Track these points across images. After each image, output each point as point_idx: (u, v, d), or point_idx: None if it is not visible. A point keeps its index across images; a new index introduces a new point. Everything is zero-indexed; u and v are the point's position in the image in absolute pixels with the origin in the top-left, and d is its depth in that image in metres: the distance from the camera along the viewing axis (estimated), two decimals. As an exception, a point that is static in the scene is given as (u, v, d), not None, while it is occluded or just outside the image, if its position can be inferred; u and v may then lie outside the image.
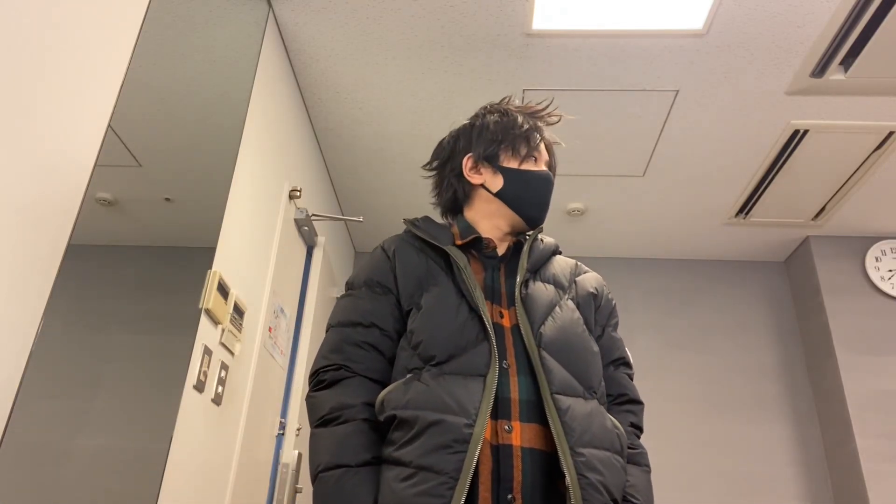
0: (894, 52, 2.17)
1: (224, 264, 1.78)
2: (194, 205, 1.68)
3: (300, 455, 2.35)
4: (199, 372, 1.61)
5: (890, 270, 3.30)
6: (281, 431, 2.36)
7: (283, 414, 2.40)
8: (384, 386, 1.08)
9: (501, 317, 1.12)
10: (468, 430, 0.96)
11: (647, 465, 1.18)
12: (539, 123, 1.30)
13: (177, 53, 1.55)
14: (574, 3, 2.09)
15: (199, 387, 1.62)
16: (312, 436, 1.05)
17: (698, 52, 2.26)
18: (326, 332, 1.16)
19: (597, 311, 1.24)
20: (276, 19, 2.19)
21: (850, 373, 3.09)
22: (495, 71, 2.39)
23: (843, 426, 3.05)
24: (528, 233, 1.26)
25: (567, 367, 1.08)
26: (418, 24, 2.20)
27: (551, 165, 1.30)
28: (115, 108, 1.26)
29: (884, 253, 3.34)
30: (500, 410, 1.02)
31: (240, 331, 1.88)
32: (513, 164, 1.24)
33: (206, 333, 1.67)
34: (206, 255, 1.67)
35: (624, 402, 1.22)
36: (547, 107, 1.33)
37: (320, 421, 1.04)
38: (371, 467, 1.00)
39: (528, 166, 1.25)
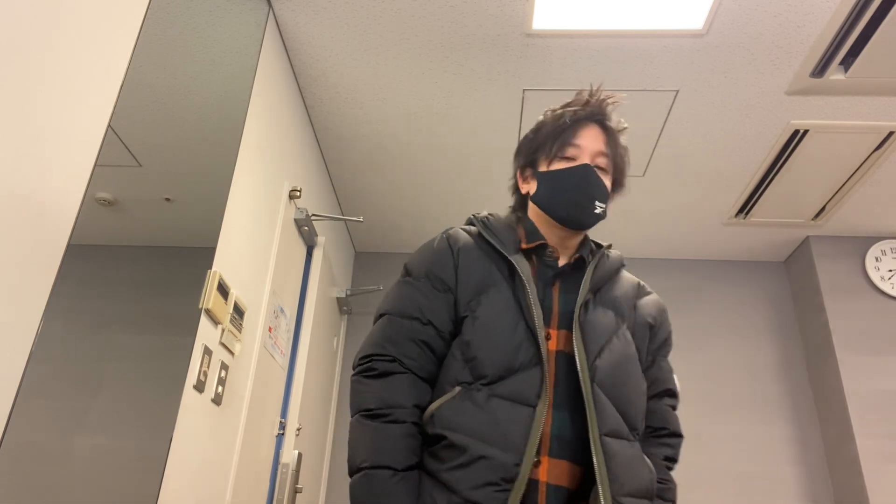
0: (894, 52, 2.17)
1: (224, 264, 1.78)
2: (194, 205, 1.68)
3: (300, 455, 2.35)
4: (199, 372, 1.61)
5: (890, 270, 3.30)
6: (281, 431, 2.36)
7: (283, 414, 2.40)
8: (432, 386, 1.08)
9: (548, 339, 1.07)
10: (516, 470, 0.96)
11: (673, 501, 1.14)
12: (583, 113, 1.20)
13: (177, 53, 1.55)
14: (574, 3, 2.09)
15: (199, 387, 1.62)
16: (357, 423, 1.04)
17: (698, 52, 2.26)
18: (379, 315, 1.14)
19: (651, 340, 1.19)
20: (276, 19, 2.19)
21: (850, 373, 3.09)
22: (495, 71, 2.39)
23: (843, 426, 3.05)
24: (594, 246, 1.22)
25: (618, 405, 1.04)
26: (418, 24, 2.20)
27: (607, 153, 1.19)
28: (115, 108, 1.26)
29: (884, 253, 3.34)
30: None
31: (240, 331, 1.88)
32: (544, 167, 1.20)
33: (206, 333, 1.67)
34: (206, 255, 1.67)
35: (664, 435, 1.18)
36: (596, 94, 1.22)
37: (368, 413, 1.03)
38: (414, 472, 1.01)
39: (559, 165, 1.18)
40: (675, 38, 2.21)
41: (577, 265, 1.16)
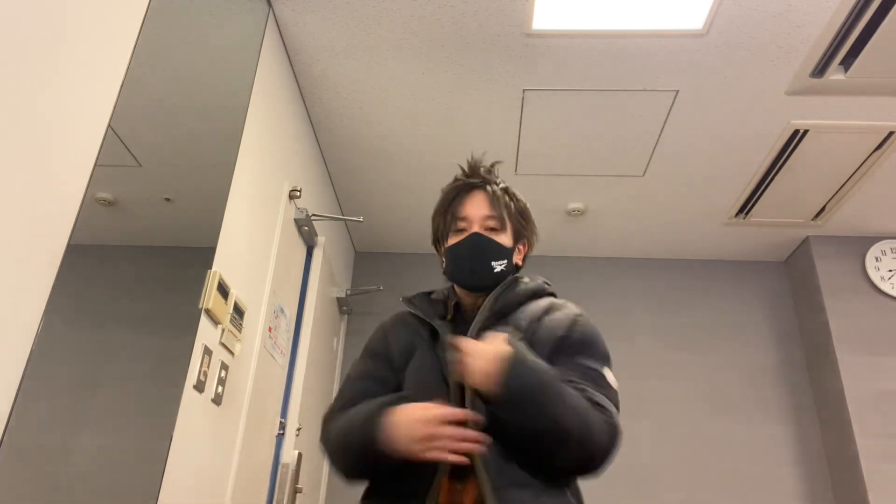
0: (894, 52, 2.17)
1: (224, 264, 1.78)
2: (194, 205, 1.68)
3: (300, 455, 2.35)
4: (199, 372, 1.61)
5: (890, 270, 3.30)
6: (281, 431, 2.36)
7: (283, 414, 2.40)
8: None
9: None
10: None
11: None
12: (464, 185, 1.34)
13: (177, 53, 1.55)
14: (574, 3, 2.09)
15: (199, 387, 1.63)
16: (332, 445, 1.20)
17: (698, 52, 2.26)
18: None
19: (560, 352, 1.21)
20: (276, 19, 2.19)
21: (850, 373, 3.09)
22: (495, 71, 2.39)
23: (843, 426, 3.05)
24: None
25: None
26: (418, 24, 2.20)
27: (494, 214, 1.30)
28: (115, 108, 1.26)
29: (884, 253, 3.34)
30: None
31: (240, 331, 1.88)
32: (446, 243, 1.32)
33: (206, 333, 1.67)
34: (206, 255, 1.67)
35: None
36: (475, 163, 1.37)
37: (339, 431, 1.19)
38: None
39: (454, 239, 1.30)
40: (675, 38, 2.21)
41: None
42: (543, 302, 1.30)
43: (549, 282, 1.37)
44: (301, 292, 2.66)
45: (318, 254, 2.76)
